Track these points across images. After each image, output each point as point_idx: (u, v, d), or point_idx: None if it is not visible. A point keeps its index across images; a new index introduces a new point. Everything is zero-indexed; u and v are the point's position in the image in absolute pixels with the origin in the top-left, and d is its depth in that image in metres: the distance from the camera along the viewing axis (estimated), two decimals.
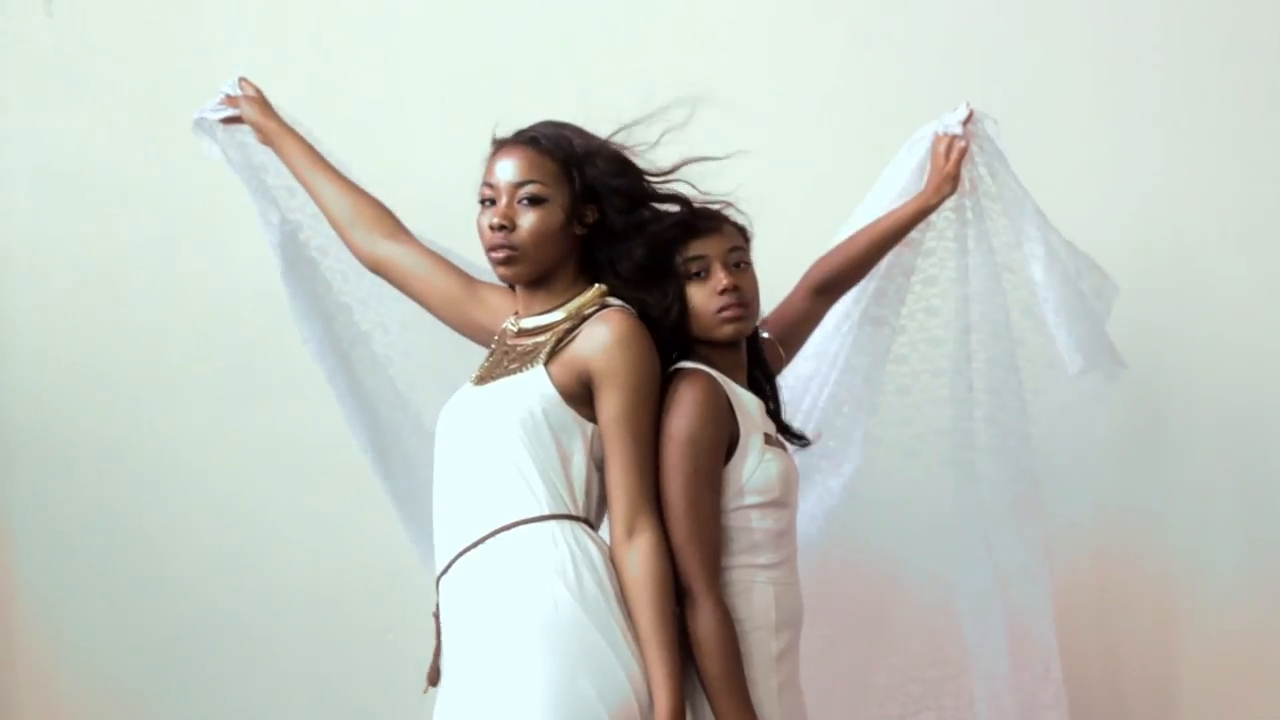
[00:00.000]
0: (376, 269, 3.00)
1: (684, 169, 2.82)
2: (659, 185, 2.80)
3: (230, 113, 3.13)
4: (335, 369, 3.20)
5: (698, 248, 2.76)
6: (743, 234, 2.83)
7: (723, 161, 2.83)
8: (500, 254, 2.71)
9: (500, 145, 2.76)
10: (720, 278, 2.74)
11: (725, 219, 2.82)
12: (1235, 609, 3.84)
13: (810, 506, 3.23)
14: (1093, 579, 3.86)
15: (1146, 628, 3.85)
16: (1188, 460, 3.84)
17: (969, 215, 3.19)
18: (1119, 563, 3.89)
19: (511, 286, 2.81)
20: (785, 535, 2.75)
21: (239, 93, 3.14)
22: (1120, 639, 3.86)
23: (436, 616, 2.72)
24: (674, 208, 2.80)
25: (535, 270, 2.73)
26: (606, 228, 2.75)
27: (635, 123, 2.79)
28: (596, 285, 2.75)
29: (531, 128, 2.76)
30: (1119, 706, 3.87)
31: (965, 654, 3.26)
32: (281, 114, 3.15)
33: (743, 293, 2.76)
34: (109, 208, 4.12)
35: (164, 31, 4.10)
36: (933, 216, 3.15)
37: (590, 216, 2.74)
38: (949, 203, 3.13)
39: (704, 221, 2.79)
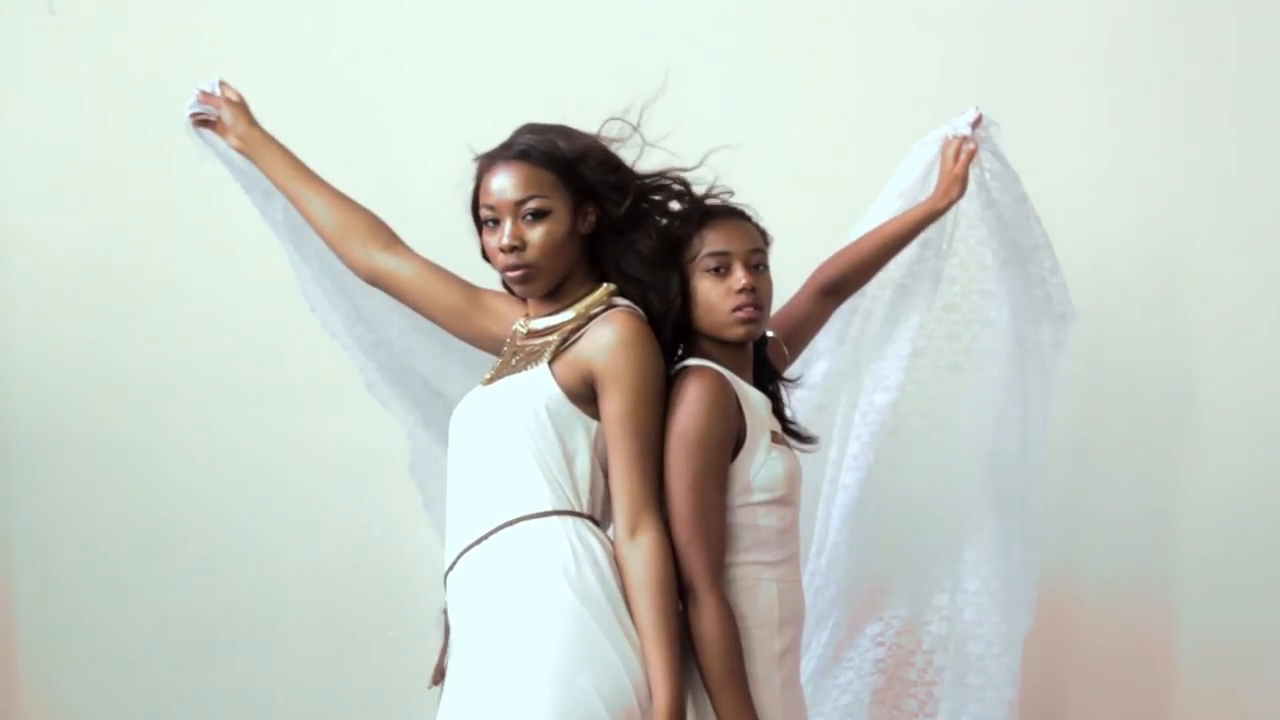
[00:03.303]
0: (374, 281, 2.97)
1: (682, 166, 2.83)
2: (652, 179, 2.80)
3: (208, 112, 3.05)
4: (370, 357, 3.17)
5: (719, 242, 2.77)
6: (764, 236, 2.83)
7: (723, 161, 2.84)
8: (516, 273, 2.72)
9: (490, 162, 2.75)
10: (739, 276, 2.75)
11: (748, 218, 2.83)
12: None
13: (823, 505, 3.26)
14: (1093, 585, 3.88)
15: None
16: (1186, 463, 3.85)
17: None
18: (1113, 564, 3.90)
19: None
20: (789, 533, 2.76)
21: (219, 93, 3.07)
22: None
23: (445, 614, 2.72)
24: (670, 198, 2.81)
25: (552, 281, 2.74)
26: (608, 224, 2.75)
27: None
28: (605, 285, 2.76)
29: (517, 139, 2.75)
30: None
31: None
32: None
33: (759, 295, 2.77)
34: (111, 206, 4.12)
35: (165, 31, 4.10)
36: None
37: (591, 216, 2.75)
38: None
39: (727, 216, 2.80)
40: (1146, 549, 3.86)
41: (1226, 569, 3.83)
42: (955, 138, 3.12)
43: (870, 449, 3.23)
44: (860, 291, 3.20)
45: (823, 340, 3.21)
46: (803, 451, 2.91)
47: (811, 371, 3.24)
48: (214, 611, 4.08)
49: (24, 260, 4.15)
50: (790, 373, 3.00)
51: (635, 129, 2.78)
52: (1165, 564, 3.86)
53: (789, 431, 2.87)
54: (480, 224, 2.77)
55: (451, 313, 2.91)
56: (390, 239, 2.96)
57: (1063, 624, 3.73)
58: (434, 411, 3.15)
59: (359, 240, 2.95)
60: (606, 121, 2.78)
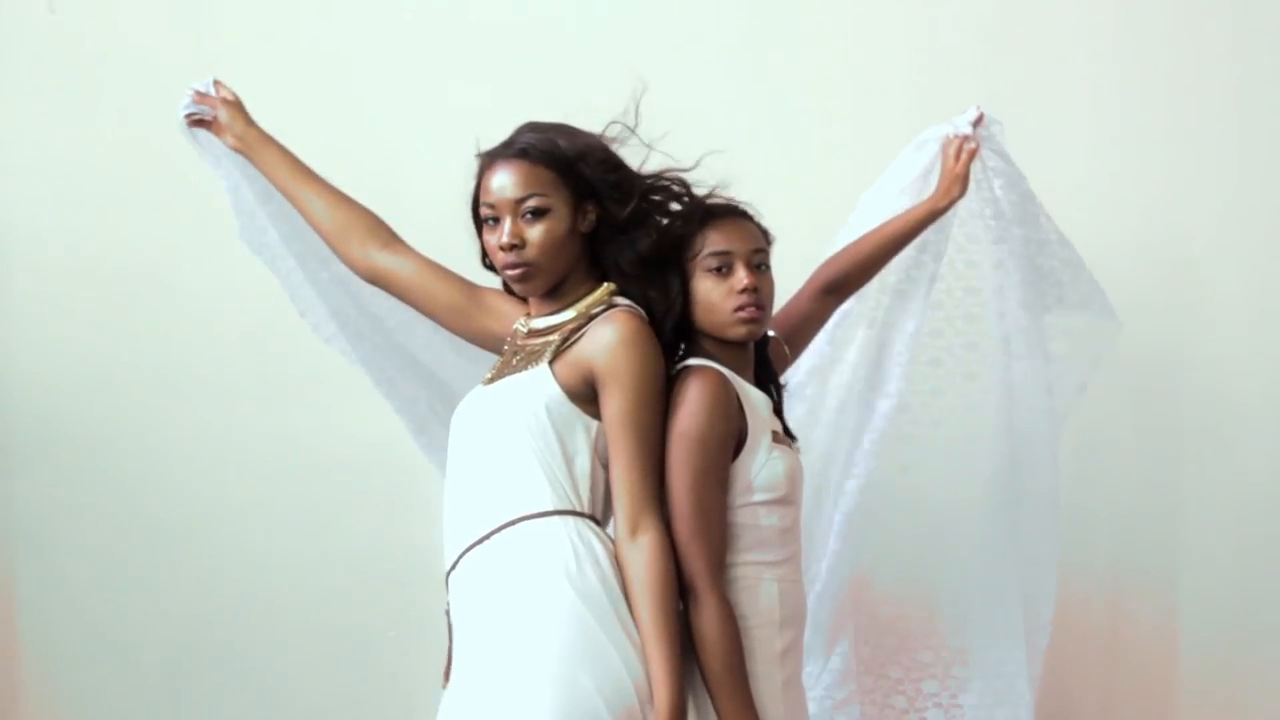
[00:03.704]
0: (375, 281, 2.96)
1: (681, 167, 2.82)
2: (652, 179, 2.80)
3: (203, 112, 3.03)
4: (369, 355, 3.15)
5: (721, 242, 2.76)
6: (765, 236, 2.83)
7: (725, 160, 2.83)
8: (516, 272, 2.71)
9: (490, 161, 2.74)
10: (741, 276, 2.74)
11: (750, 217, 2.82)
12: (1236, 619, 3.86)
13: (825, 510, 3.25)
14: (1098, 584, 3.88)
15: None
16: (1186, 462, 3.85)
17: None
18: (1115, 564, 3.90)
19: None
20: (790, 533, 2.75)
21: (214, 93, 3.05)
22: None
23: (449, 614, 2.71)
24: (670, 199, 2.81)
25: (552, 279, 2.73)
26: (608, 223, 2.75)
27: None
28: (605, 284, 2.75)
29: (517, 137, 2.75)
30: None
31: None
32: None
33: (761, 295, 2.76)
34: (111, 206, 4.12)
35: (166, 30, 4.10)
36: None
37: (591, 214, 2.75)
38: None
39: (729, 215, 2.79)
40: (1150, 548, 3.86)
41: (1230, 569, 3.83)
42: (956, 137, 3.13)
43: (872, 456, 3.23)
44: (862, 294, 3.21)
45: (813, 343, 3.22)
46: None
47: (796, 370, 3.24)
48: (215, 611, 4.09)
49: (24, 260, 4.15)
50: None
51: (633, 131, 2.78)
52: (1168, 563, 3.86)
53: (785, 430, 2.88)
54: (480, 223, 2.77)
55: (452, 311, 2.90)
56: (390, 238, 2.95)
57: (1064, 624, 3.72)
58: (438, 407, 3.14)
59: (358, 239, 2.94)
60: (609, 124, 2.78)
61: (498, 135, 2.77)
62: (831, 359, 3.28)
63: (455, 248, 2.87)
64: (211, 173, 3.11)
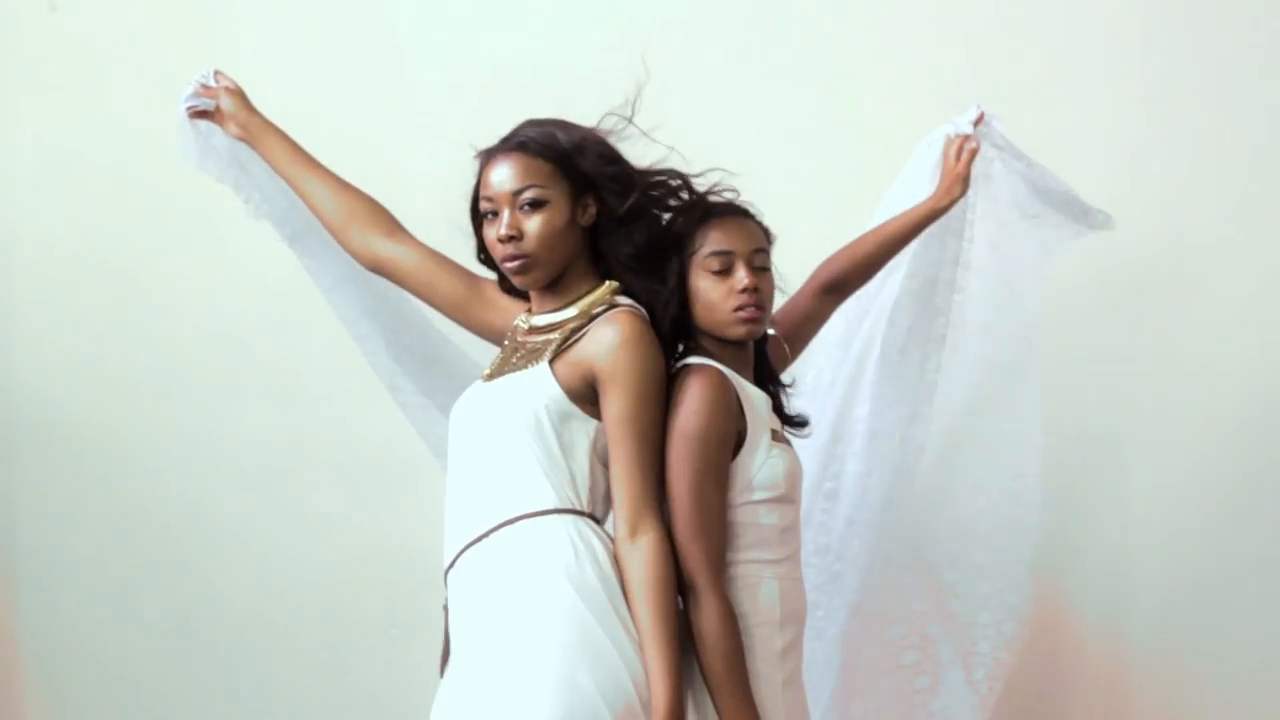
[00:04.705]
0: (376, 269, 2.96)
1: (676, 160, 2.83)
2: (652, 175, 2.80)
3: (205, 104, 3.04)
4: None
5: (722, 241, 2.76)
6: (766, 235, 2.83)
7: (726, 158, 2.84)
8: (514, 264, 2.71)
9: (489, 155, 2.75)
10: (742, 276, 2.74)
11: (751, 216, 2.82)
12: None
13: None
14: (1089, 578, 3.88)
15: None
16: (1183, 462, 3.86)
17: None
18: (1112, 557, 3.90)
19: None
20: (790, 531, 2.75)
21: (214, 84, 3.06)
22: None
23: (446, 610, 2.71)
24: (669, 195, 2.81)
25: (551, 272, 2.73)
26: (608, 216, 2.75)
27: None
28: (607, 283, 2.75)
29: (516, 132, 2.76)
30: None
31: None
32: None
33: (761, 294, 2.76)
34: (112, 205, 4.12)
35: (166, 28, 4.10)
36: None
37: (591, 208, 2.75)
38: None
39: (729, 214, 2.79)
40: (1153, 547, 3.87)
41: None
42: (957, 136, 3.13)
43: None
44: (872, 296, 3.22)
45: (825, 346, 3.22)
46: (801, 436, 2.90)
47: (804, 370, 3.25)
48: (215, 610, 4.08)
49: (25, 259, 4.15)
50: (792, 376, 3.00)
51: (630, 121, 2.77)
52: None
53: (787, 423, 2.87)
54: (481, 219, 2.77)
55: (453, 302, 2.91)
56: (392, 226, 2.95)
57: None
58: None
59: (360, 227, 2.94)
60: (606, 115, 2.78)
61: (499, 127, 2.78)
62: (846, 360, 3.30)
63: (457, 239, 2.87)
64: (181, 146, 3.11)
